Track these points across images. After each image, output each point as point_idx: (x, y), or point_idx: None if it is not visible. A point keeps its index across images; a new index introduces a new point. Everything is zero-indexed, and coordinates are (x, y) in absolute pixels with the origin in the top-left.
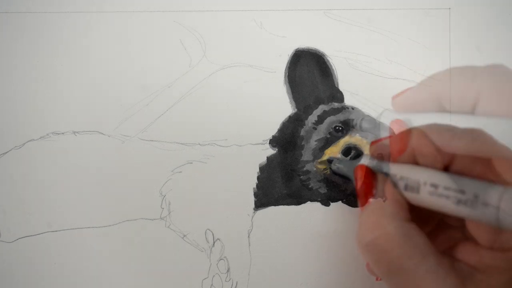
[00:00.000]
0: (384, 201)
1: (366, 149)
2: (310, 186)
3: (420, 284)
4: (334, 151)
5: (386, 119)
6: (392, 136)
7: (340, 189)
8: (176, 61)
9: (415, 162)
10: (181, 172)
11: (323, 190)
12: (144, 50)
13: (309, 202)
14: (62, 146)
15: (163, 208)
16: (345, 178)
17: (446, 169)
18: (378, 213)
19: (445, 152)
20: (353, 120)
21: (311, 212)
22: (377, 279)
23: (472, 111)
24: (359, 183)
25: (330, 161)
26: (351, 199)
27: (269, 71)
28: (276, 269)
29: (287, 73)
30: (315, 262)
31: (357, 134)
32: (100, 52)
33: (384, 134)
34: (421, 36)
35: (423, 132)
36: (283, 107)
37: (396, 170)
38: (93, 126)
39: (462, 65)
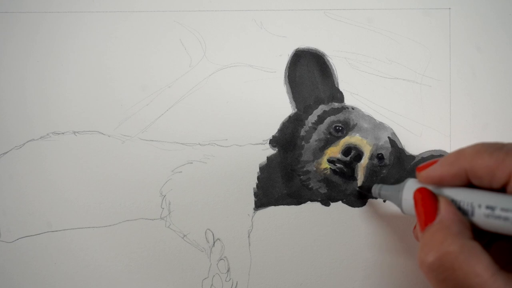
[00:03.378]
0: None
1: (365, 149)
2: (310, 186)
3: None
4: (334, 151)
5: (409, 189)
6: (438, 160)
7: (340, 189)
8: (176, 61)
9: (466, 185)
10: (181, 172)
11: (323, 190)
12: (144, 50)
13: (309, 202)
14: (62, 146)
15: (163, 208)
16: (345, 178)
17: (501, 189)
18: (443, 232)
19: (500, 171)
20: (353, 120)
21: (311, 212)
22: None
23: (502, 188)
24: (420, 206)
25: (331, 161)
26: (351, 199)
27: (269, 71)
28: (276, 269)
29: (287, 73)
30: (315, 262)
31: (357, 134)
32: (100, 52)
33: (385, 134)
34: (421, 36)
35: (476, 152)
36: (283, 107)
37: (448, 193)
38: (93, 126)
39: (490, 141)
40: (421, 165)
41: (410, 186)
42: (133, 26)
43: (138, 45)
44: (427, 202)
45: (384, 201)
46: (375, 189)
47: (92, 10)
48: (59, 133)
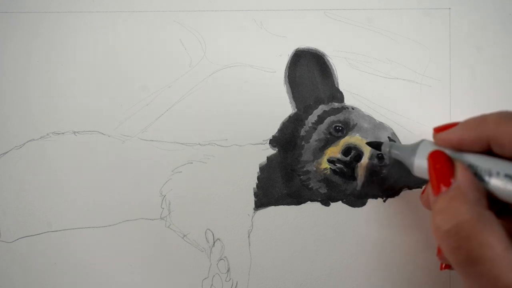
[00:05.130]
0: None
1: (365, 149)
2: (310, 186)
3: (499, 275)
4: (334, 151)
5: (424, 150)
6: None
7: (340, 189)
8: (176, 61)
9: (485, 151)
10: (181, 172)
11: (323, 190)
12: (144, 50)
13: (309, 202)
14: (62, 146)
15: (163, 208)
16: (345, 178)
17: None
18: (460, 200)
19: None
20: (353, 120)
21: (311, 212)
22: (441, 267)
23: None
24: (435, 170)
25: (331, 161)
26: (351, 199)
27: (269, 71)
28: (276, 269)
29: (287, 73)
30: (314, 262)
31: (357, 134)
32: (100, 52)
33: (385, 134)
34: (421, 36)
35: (500, 118)
36: (283, 107)
37: (465, 158)
38: (93, 126)
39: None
40: (439, 126)
41: (425, 148)
42: (133, 26)
43: (138, 45)
44: (443, 166)
45: (384, 201)
46: (386, 146)
47: (92, 10)
48: (59, 133)
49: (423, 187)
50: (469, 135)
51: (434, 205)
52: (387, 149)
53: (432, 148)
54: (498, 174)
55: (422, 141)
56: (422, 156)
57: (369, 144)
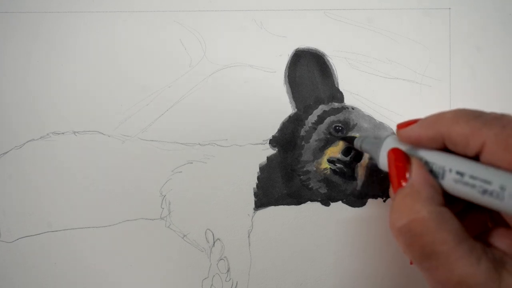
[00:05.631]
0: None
1: None
2: (310, 186)
3: (452, 269)
4: (334, 151)
5: (388, 146)
6: (417, 120)
7: (340, 189)
8: (176, 61)
9: (442, 148)
10: (181, 172)
11: (323, 190)
12: (144, 50)
13: (309, 202)
14: (62, 146)
15: (163, 208)
16: (345, 178)
17: (475, 157)
18: (413, 197)
19: (475, 140)
20: (353, 120)
21: (311, 212)
22: (411, 262)
23: (475, 157)
24: (392, 167)
25: (331, 161)
26: (351, 199)
27: (269, 71)
28: (276, 269)
29: (287, 73)
30: (315, 262)
31: (357, 134)
32: (100, 52)
33: (385, 133)
34: (421, 36)
35: (454, 117)
36: (283, 107)
37: (422, 154)
38: (93, 126)
39: (470, 109)
40: (402, 122)
41: (389, 143)
42: (133, 26)
43: (138, 45)
44: (399, 163)
45: (384, 201)
46: (358, 141)
47: (92, 10)
48: (59, 133)
49: None
50: (426, 133)
51: (391, 202)
52: (359, 144)
53: (394, 144)
54: (450, 171)
55: (387, 136)
56: (385, 151)
57: (343, 139)
